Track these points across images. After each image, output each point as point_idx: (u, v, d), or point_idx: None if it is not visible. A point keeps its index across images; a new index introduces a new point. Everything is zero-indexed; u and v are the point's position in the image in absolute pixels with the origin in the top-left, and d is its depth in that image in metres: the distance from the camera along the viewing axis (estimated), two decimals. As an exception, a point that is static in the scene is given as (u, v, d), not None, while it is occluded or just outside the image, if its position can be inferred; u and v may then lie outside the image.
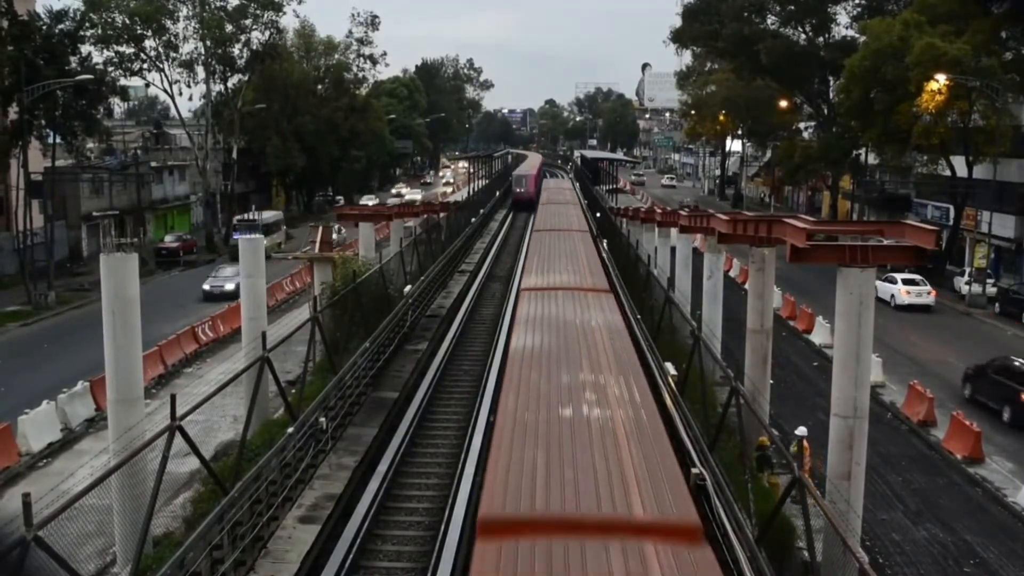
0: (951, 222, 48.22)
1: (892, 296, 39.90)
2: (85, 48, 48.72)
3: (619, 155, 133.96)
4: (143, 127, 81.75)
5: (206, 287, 42.78)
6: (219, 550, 11.34)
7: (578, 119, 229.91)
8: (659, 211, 37.16)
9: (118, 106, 60.46)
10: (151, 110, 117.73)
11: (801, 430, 17.69)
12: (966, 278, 43.38)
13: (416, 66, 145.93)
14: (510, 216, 69.01)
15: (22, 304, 39.57)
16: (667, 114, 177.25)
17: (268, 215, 60.56)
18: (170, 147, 70.91)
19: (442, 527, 14.55)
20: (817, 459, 17.77)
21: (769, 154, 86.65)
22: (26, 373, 29.06)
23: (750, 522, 11.56)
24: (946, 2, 45.31)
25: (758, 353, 19.58)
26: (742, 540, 11.09)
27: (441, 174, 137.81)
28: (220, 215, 64.15)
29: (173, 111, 68.07)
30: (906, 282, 40.11)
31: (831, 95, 63.67)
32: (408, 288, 26.53)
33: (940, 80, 41.05)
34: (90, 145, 51.97)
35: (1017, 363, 25.14)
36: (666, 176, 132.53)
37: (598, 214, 53.34)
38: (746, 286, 24.07)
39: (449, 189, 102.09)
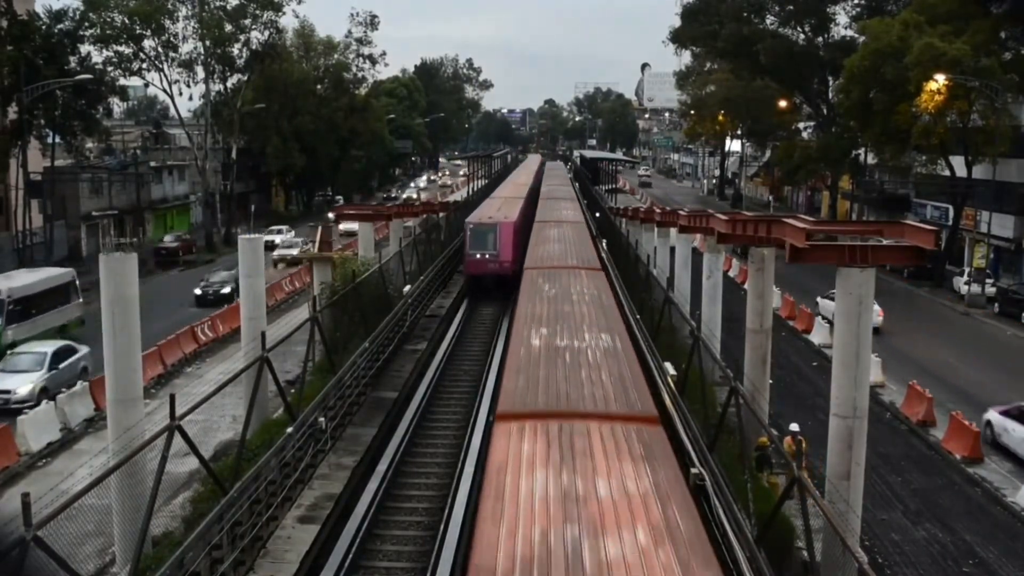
0: (950, 222, 48.23)
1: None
2: (84, 48, 48.92)
3: (619, 155, 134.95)
4: (142, 127, 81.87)
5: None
6: (218, 550, 11.34)
7: (577, 119, 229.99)
8: (658, 211, 37.17)
9: (117, 106, 60.68)
10: (150, 110, 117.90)
11: (793, 426, 17.72)
12: (965, 278, 43.39)
13: (415, 66, 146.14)
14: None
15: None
16: (667, 114, 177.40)
17: (21, 281, 32.27)
18: (169, 147, 70.97)
19: (441, 527, 14.56)
20: (815, 459, 17.78)
21: (768, 154, 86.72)
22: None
23: (749, 522, 11.56)
24: (946, 2, 45.34)
25: (757, 353, 19.59)
26: (741, 540, 11.09)
27: (412, 185, 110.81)
28: (220, 215, 64.16)
29: (172, 111, 68.12)
30: None
31: (830, 95, 63.69)
32: (407, 288, 26.52)
33: (939, 80, 41.08)
34: (89, 145, 52.07)
35: None
36: (642, 168, 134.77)
37: (597, 214, 53.34)
38: (746, 286, 24.07)
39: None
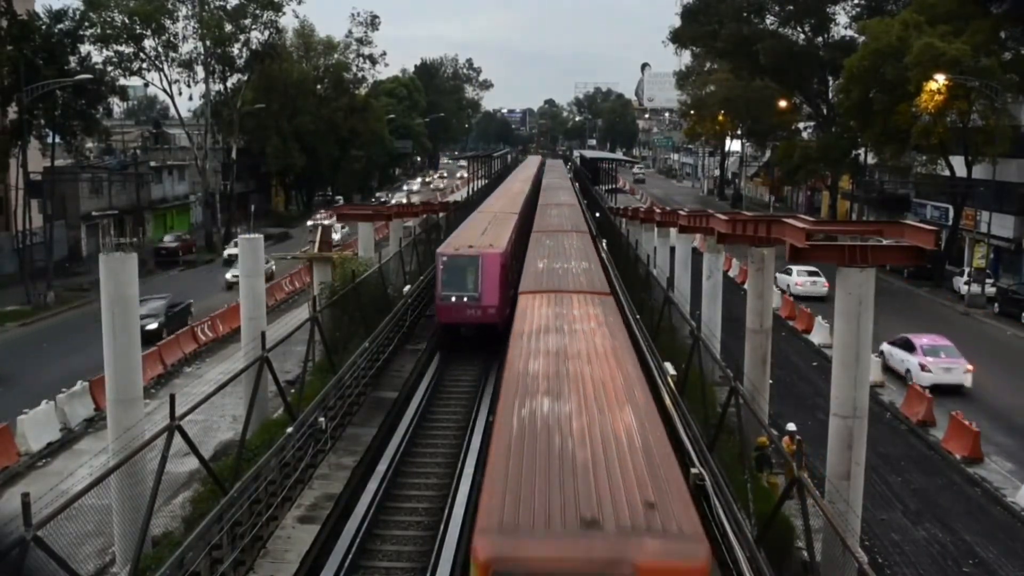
0: (950, 222, 48.23)
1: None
2: (84, 48, 48.76)
3: (619, 155, 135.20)
4: (142, 127, 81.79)
5: None
6: (218, 550, 11.34)
7: (577, 119, 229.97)
8: (658, 211, 37.17)
9: (117, 106, 60.56)
10: (150, 110, 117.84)
11: (790, 426, 17.71)
12: (965, 278, 43.38)
13: (415, 66, 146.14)
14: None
15: (21, 304, 39.54)
16: (666, 114, 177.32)
17: None
18: (169, 147, 70.95)
19: (441, 527, 14.55)
20: (815, 459, 17.76)
21: (768, 154, 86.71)
22: (25, 373, 29.06)
23: (749, 522, 11.56)
24: (945, 2, 45.32)
25: (757, 353, 19.58)
26: (741, 540, 11.09)
27: (404, 189, 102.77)
28: (219, 215, 64.16)
29: (172, 111, 68.13)
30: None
31: (830, 95, 63.65)
32: (407, 288, 26.51)
33: (939, 80, 41.06)
34: (89, 145, 51.96)
35: None
36: (636, 167, 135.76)
37: (597, 214, 53.30)
38: (745, 286, 24.06)
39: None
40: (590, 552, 7.10)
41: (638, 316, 23.38)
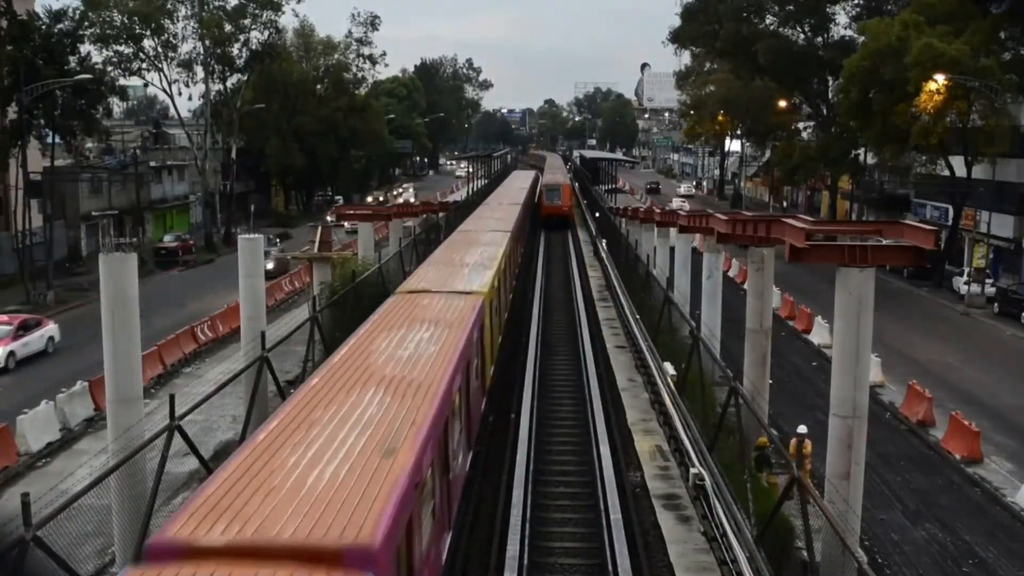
0: (950, 222, 48.20)
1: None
2: (84, 48, 48.77)
3: (619, 155, 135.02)
4: (142, 127, 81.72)
5: None
6: (218, 550, 11.31)
7: (577, 119, 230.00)
8: (658, 211, 37.20)
9: (117, 106, 60.40)
10: (150, 110, 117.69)
11: (802, 428, 17.69)
12: (965, 278, 43.35)
13: (415, 66, 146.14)
14: None
15: (21, 304, 39.49)
16: (666, 114, 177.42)
17: None
18: (169, 147, 70.89)
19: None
20: (816, 459, 17.76)
21: (768, 154, 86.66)
22: (24, 373, 29.04)
23: (749, 522, 11.56)
24: (945, 2, 45.28)
25: (757, 353, 19.59)
26: (741, 540, 11.09)
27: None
28: (219, 215, 64.14)
29: (172, 111, 68.10)
30: None
31: (830, 95, 63.65)
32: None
33: (939, 80, 41.05)
34: (89, 145, 52.04)
35: None
36: (631, 165, 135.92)
37: (597, 214, 53.34)
38: (745, 286, 24.07)
39: None
40: None
41: (638, 316, 23.39)
